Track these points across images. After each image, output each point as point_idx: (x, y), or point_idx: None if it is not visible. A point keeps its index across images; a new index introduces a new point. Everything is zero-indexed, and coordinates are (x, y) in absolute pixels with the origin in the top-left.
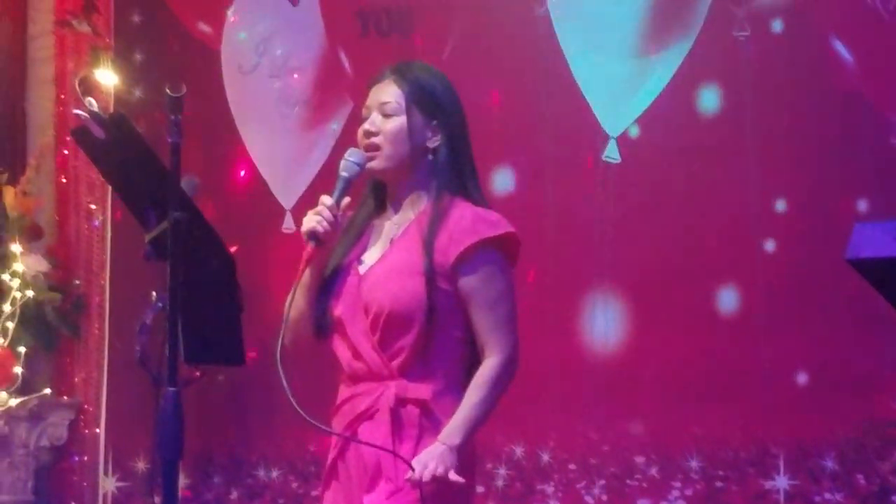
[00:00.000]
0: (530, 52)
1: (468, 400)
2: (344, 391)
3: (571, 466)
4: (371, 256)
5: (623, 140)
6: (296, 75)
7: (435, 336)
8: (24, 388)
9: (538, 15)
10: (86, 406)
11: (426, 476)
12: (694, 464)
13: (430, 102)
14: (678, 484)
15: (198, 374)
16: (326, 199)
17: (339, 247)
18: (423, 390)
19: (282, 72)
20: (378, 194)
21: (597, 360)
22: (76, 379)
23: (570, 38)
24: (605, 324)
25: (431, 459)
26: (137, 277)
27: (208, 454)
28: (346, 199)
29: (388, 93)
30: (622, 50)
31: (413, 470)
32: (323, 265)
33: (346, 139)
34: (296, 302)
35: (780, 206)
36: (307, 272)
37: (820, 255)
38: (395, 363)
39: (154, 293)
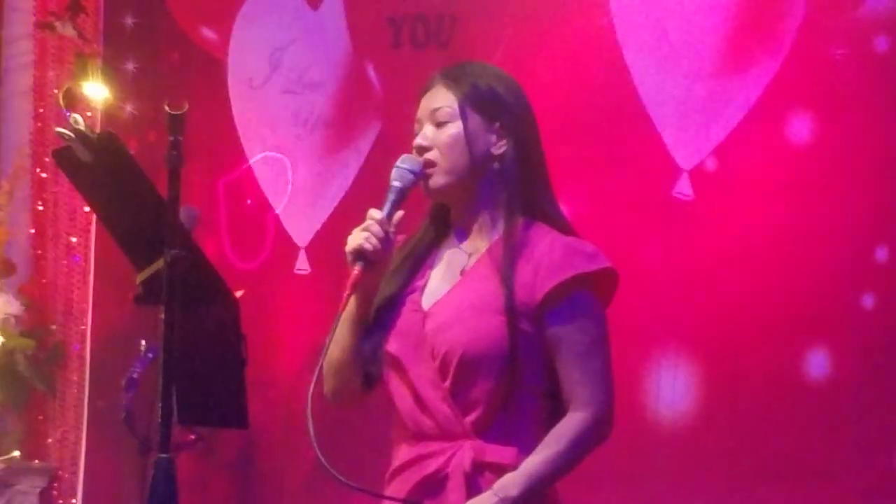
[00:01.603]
0: (591, 70)
1: (539, 453)
2: (404, 451)
3: None
4: (437, 290)
5: (697, 174)
6: (315, 91)
7: (515, 387)
8: None
9: (601, 26)
10: (60, 472)
11: None
12: None
13: (489, 102)
14: None
15: (193, 437)
16: (375, 213)
17: (394, 276)
18: (504, 454)
19: (298, 87)
20: (441, 220)
21: (662, 430)
22: (50, 440)
23: (638, 54)
24: (671, 389)
25: None
26: (125, 323)
27: None
28: (399, 214)
29: (439, 98)
30: (698, 69)
31: None
32: (372, 294)
33: (373, 166)
34: (340, 338)
35: (882, 254)
36: (353, 301)
37: None
38: (469, 419)
39: (144, 342)
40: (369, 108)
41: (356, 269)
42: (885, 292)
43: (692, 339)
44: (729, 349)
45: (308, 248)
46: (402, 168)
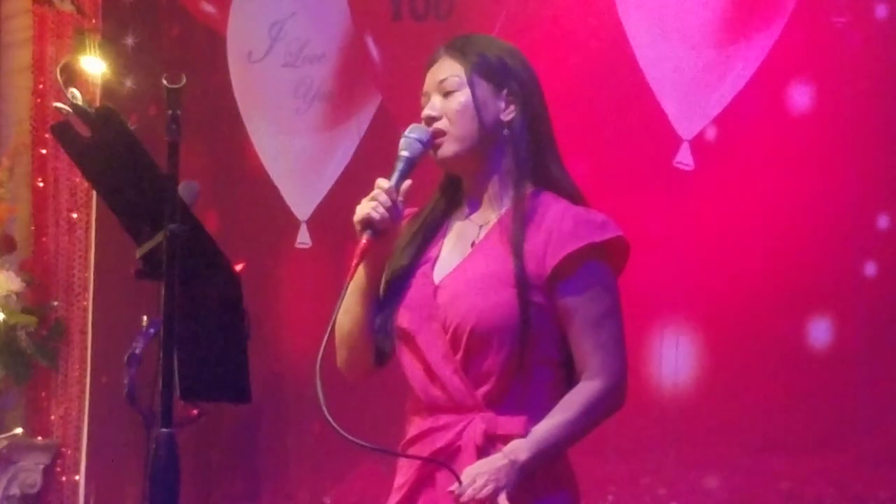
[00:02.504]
0: (590, 40)
1: (550, 419)
2: (417, 423)
3: None
4: (448, 262)
5: (697, 144)
6: (315, 64)
7: (527, 359)
8: None
9: None
10: (63, 449)
11: (468, 496)
12: None
13: (497, 69)
14: None
15: (196, 412)
16: (383, 182)
17: (405, 248)
18: (516, 425)
19: (298, 60)
20: (451, 192)
21: (666, 401)
22: (53, 417)
23: (638, 24)
24: (675, 359)
25: (483, 474)
26: (126, 298)
27: None
28: (408, 183)
29: (445, 69)
30: (697, 39)
31: (460, 483)
32: (381, 265)
33: (373, 138)
34: (349, 308)
35: (883, 222)
36: (361, 270)
37: None
38: (481, 391)
39: (145, 318)
40: (369, 81)
41: (364, 239)
42: (887, 260)
43: (693, 309)
44: (730, 319)
45: (309, 222)
46: (410, 137)
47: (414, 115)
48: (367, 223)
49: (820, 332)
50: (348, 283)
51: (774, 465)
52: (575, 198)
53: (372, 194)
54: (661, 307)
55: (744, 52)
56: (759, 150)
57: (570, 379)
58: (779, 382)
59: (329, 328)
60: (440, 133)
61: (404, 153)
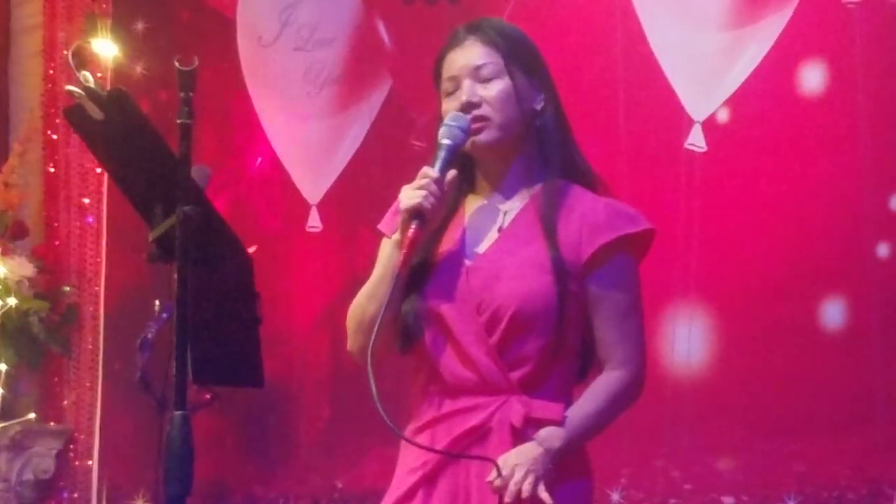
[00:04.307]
0: (602, 23)
1: (583, 407)
2: (438, 405)
3: None
4: (475, 245)
5: (710, 126)
6: (325, 48)
7: (560, 347)
8: (5, 412)
9: None
10: (76, 434)
11: (512, 489)
12: None
13: (529, 56)
14: None
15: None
16: (430, 171)
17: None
18: (554, 410)
19: (309, 44)
20: (465, 170)
21: (679, 383)
22: (65, 402)
23: (649, 8)
24: (689, 342)
25: (521, 465)
26: (138, 283)
27: (220, 491)
28: (452, 172)
29: (479, 54)
30: (709, 21)
31: (499, 472)
32: (413, 253)
33: (384, 122)
34: (374, 295)
35: None
36: (395, 258)
37: None
38: (516, 375)
39: (158, 302)
40: (380, 65)
41: (412, 228)
42: None
43: (706, 292)
44: (743, 301)
45: (319, 206)
46: (452, 126)
47: (424, 99)
48: (418, 212)
49: (833, 313)
50: (395, 274)
51: (788, 447)
52: (599, 188)
53: (419, 183)
54: (675, 289)
55: (755, 34)
56: (770, 132)
57: (584, 368)
58: (792, 364)
59: (378, 320)
60: (479, 119)
61: (446, 141)
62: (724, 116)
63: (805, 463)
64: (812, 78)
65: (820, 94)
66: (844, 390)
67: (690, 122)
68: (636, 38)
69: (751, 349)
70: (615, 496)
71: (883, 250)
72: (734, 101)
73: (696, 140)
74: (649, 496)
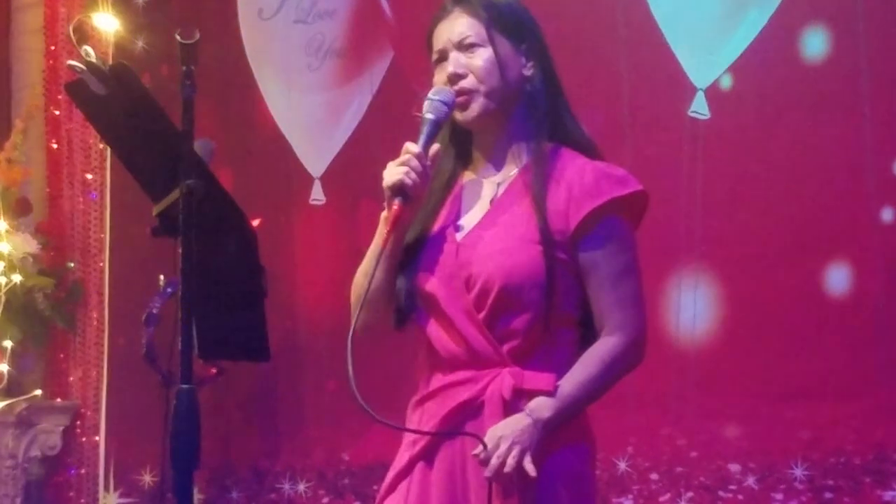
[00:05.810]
0: None
1: (575, 376)
2: (435, 379)
3: (653, 476)
4: (467, 220)
5: (713, 92)
6: (326, 20)
7: (552, 316)
8: (12, 389)
9: None
10: (83, 410)
11: (494, 463)
12: (799, 472)
13: (514, 23)
14: (780, 496)
15: (214, 371)
16: (412, 147)
17: (422, 209)
18: (544, 381)
19: (310, 16)
20: (459, 144)
21: (684, 350)
22: (71, 378)
23: None
24: (693, 308)
25: (507, 437)
26: (142, 259)
27: (226, 464)
28: (436, 147)
29: (462, 25)
30: None
31: (484, 446)
32: (404, 230)
33: (385, 95)
34: (368, 272)
35: None
36: (382, 235)
37: None
38: (507, 347)
39: (162, 277)
40: (381, 37)
41: (395, 205)
42: None
43: (710, 258)
44: (748, 267)
45: (323, 179)
46: (434, 100)
47: (427, 71)
48: (399, 189)
49: (838, 278)
50: (382, 252)
51: (794, 414)
52: (591, 151)
53: (401, 159)
54: (679, 256)
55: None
56: (774, 98)
57: (587, 337)
58: (797, 330)
59: (362, 302)
60: (464, 91)
61: (430, 116)
62: (727, 83)
63: (811, 429)
64: (815, 43)
65: (823, 59)
66: (849, 356)
67: (693, 90)
68: (639, 4)
69: (756, 315)
70: (621, 464)
71: (887, 215)
72: (737, 68)
73: (699, 108)
74: (655, 464)
